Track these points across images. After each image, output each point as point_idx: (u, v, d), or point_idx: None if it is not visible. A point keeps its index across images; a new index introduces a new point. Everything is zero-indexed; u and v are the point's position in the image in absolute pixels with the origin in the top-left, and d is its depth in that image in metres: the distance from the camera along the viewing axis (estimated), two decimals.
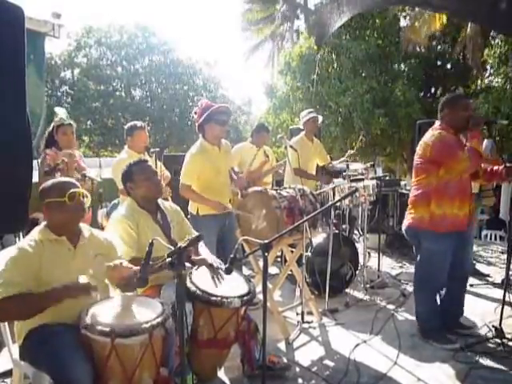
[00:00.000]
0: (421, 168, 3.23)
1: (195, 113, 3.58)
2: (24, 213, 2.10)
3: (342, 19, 5.12)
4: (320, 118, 5.21)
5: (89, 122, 20.89)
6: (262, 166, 4.34)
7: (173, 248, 1.83)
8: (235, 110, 22.29)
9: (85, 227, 2.26)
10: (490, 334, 3.32)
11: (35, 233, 2.10)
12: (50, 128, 4.05)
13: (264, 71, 22.89)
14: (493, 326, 3.34)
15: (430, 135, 3.18)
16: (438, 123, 3.23)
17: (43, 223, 2.15)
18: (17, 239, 3.44)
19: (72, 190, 2.10)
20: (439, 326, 3.30)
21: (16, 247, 2.00)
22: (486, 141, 3.20)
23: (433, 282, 3.26)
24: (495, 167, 3.25)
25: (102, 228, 3.70)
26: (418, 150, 3.23)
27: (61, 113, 4.06)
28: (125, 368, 1.81)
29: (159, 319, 1.88)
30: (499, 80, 10.50)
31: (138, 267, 1.95)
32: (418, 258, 3.35)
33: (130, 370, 1.82)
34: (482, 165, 3.24)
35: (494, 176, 3.28)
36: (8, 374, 2.44)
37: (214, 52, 60.46)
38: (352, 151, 5.40)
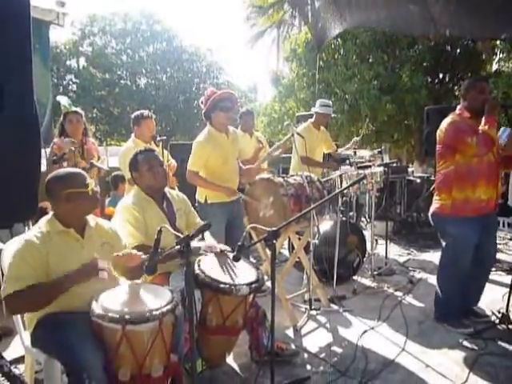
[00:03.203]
0: (440, 154, 3.23)
1: (202, 102, 3.57)
2: (33, 201, 2.10)
3: (343, 26, 5.09)
4: (333, 115, 5.28)
5: (95, 111, 20.91)
6: (257, 153, 4.30)
7: (181, 236, 1.83)
8: (241, 96, 22.22)
9: (90, 217, 2.24)
10: (497, 321, 3.32)
11: (42, 224, 2.09)
12: (61, 117, 4.07)
13: (269, 58, 22.72)
14: (499, 312, 3.34)
15: (445, 121, 3.18)
16: (458, 108, 3.23)
17: (51, 213, 2.13)
18: (26, 228, 3.46)
19: (90, 180, 2.13)
20: (456, 312, 3.30)
21: (23, 239, 1.99)
22: (502, 128, 3.13)
23: (457, 267, 3.23)
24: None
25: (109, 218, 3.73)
26: (437, 136, 3.23)
27: (63, 101, 4.06)
28: (135, 354, 1.83)
29: (169, 306, 1.89)
30: (510, 65, 10.34)
31: (147, 255, 1.96)
32: (443, 244, 3.32)
33: (140, 357, 1.84)
34: (501, 151, 3.18)
35: None
36: (20, 360, 2.49)
37: (218, 38, 59.92)
38: (357, 138, 5.37)
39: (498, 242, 5.94)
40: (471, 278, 3.27)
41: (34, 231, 2.04)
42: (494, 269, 4.70)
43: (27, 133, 2.05)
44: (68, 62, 21.43)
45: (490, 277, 4.40)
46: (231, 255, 2.32)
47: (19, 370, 2.31)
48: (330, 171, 4.72)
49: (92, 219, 2.24)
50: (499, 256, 5.28)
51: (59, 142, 3.91)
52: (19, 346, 2.27)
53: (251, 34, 21.35)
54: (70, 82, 21.49)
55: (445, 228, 3.27)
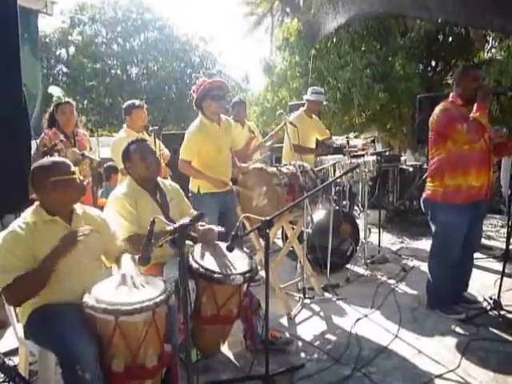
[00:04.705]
0: (431, 141, 3.24)
1: (193, 91, 3.53)
2: (24, 192, 2.09)
3: (337, 21, 5.05)
4: (324, 103, 5.23)
5: (85, 102, 20.67)
6: (249, 143, 4.28)
7: (174, 226, 1.82)
8: (234, 86, 22.05)
9: (77, 205, 2.21)
10: (489, 307, 3.35)
11: (27, 214, 2.05)
12: (51, 108, 4.02)
13: (262, 47, 22.49)
14: (491, 299, 3.37)
15: (437, 108, 3.18)
16: (450, 95, 3.23)
17: (36, 203, 2.09)
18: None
19: (75, 168, 2.10)
20: (448, 298, 3.34)
21: (8, 231, 1.96)
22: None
23: (447, 255, 3.26)
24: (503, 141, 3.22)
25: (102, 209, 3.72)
26: (429, 123, 3.24)
27: (56, 92, 4.02)
28: (129, 345, 1.83)
29: (162, 297, 1.89)
30: (502, 53, 10.35)
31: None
32: (434, 230, 3.35)
33: (134, 347, 1.84)
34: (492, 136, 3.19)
35: (504, 150, 3.28)
36: (14, 352, 2.48)
37: (211, 28, 59.36)
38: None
39: (489, 229, 6.08)
40: (460, 263, 3.30)
41: (19, 222, 2.01)
42: (485, 255, 4.76)
43: (17, 125, 2.03)
44: (57, 52, 21.11)
45: (482, 263, 4.48)
46: (225, 245, 2.33)
47: (13, 361, 2.30)
48: (322, 160, 4.72)
49: (79, 207, 2.21)
50: (491, 243, 5.34)
51: (50, 133, 3.88)
52: (12, 338, 2.26)
53: (246, 24, 21.05)
54: (60, 72, 21.19)
55: (435, 214, 3.29)
